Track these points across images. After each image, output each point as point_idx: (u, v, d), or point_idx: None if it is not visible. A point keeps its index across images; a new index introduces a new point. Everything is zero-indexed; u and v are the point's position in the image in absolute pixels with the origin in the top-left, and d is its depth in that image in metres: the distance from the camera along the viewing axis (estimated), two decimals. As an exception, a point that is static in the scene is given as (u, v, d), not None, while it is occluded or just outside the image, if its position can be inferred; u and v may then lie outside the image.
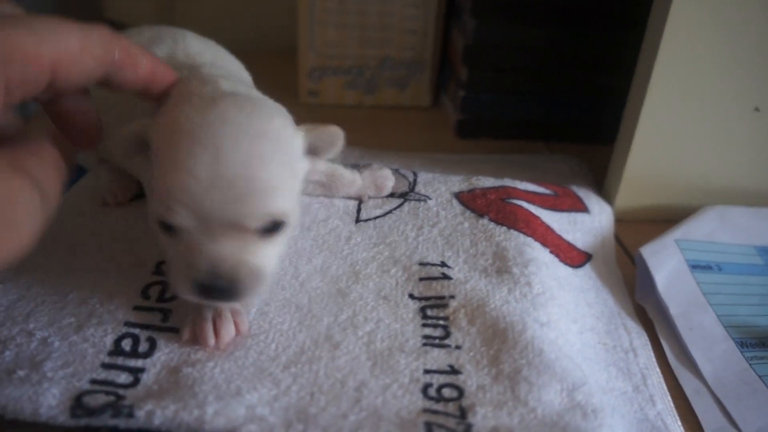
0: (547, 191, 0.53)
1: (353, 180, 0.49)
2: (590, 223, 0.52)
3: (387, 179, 0.49)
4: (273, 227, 0.33)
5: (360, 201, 0.49)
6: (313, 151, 0.37)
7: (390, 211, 0.47)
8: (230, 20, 0.94)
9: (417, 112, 0.77)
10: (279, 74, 0.76)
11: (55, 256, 0.42)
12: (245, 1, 0.92)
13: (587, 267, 0.48)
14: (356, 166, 0.51)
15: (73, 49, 0.28)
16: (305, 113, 0.37)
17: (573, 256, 0.48)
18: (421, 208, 0.48)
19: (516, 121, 0.71)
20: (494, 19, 0.65)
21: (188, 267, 0.32)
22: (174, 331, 0.36)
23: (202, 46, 0.45)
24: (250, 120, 0.33)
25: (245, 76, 0.46)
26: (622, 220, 0.56)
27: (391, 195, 0.49)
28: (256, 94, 0.37)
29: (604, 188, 0.59)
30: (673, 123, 0.53)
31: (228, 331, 0.36)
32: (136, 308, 0.38)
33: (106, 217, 0.47)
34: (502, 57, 0.68)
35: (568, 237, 0.50)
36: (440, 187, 0.50)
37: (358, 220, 0.46)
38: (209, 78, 0.36)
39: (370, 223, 0.46)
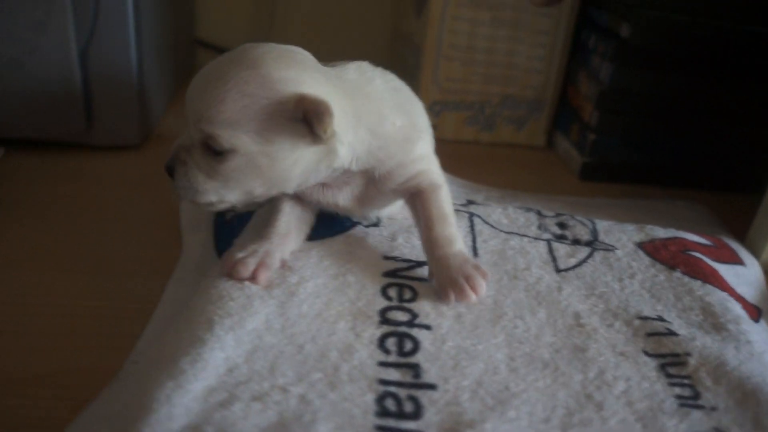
0: (708, 242, 0.53)
1: (456, 253, 0.42)
2: (748, 275, 0.53)
3: (468, 296, 0.41)
4: (213, 148, 0.38)
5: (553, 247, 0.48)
6: (307, 120, 0.37)
7: (584, 260, 0.47)
8: (325, 43, 0.92)
9: (532, 152, 0.78)
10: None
11: (271, 303, 0.40)
12: (340, 24, 0.92)
13: (762, 322, 0.49)
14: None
15: None
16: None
17: (750, 310, 0.48)
18: (611, 258, 0.48)
19: (642, 165, 0.72)
20: (633, 65, 0.66)
21: None
22: (432, 388, 0.35)
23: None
24: (250, 62, 0.38)
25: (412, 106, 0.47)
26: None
27: (577, 242, 0.49)
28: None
29: (747, 239, 0.59)
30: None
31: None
32: (381, 364, 0.36)
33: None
34: (637, 103, 0.68)
35: (738, 290, 0.50)
36: (621, 237, 0.50)
37: (558, 270, 0.46)
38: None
39: (571, 272, 0.46)
